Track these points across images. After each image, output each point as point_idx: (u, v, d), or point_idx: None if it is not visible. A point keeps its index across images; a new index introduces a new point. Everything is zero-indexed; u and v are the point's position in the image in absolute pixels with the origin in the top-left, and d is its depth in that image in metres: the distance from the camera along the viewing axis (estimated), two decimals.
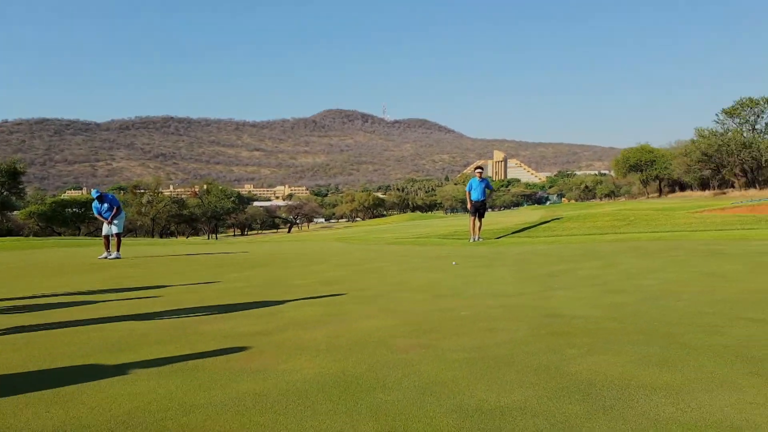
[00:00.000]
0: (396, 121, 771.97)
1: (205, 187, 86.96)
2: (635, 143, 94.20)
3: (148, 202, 70.52)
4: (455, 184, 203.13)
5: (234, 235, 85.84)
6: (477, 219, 15.41)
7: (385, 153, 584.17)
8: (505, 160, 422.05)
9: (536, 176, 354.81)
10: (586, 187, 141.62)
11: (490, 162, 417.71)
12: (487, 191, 15.84)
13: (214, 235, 78.25)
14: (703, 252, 8.62)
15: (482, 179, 15.61)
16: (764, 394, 2.38)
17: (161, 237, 69.89)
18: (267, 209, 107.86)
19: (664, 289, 5.28)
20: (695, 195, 69.88)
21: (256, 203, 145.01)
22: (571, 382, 2.64)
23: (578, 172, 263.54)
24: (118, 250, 12.72)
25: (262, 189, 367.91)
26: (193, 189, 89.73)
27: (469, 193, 15.54)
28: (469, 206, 15.67)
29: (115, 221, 12.91)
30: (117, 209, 13.04)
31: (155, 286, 7.26)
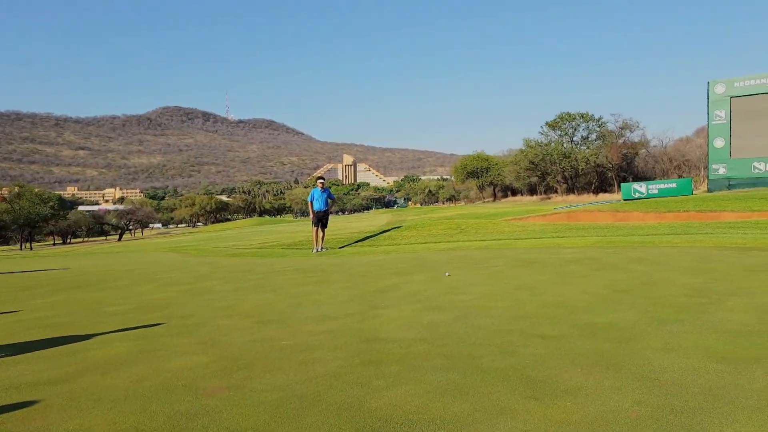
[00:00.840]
0: (240, 121, 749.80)
1: (16, 190, 76.73)
2: (472, 151, 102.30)
3: None
4: (305, 187, 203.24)
5: (54, 245, 76.60)
6: (320, 229, 15.52)
7: (229, 154, 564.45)
8: (354, 164, 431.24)
9: (384, 180, 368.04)
10: (430, 191, 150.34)
11: (340, 165, 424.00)
12: (330, 201, 16.03)
13: (28, 245, 69.18)
14: (520, 262, 9.37)
15: (324, 189, 15.75)
16: (535, 421, 2.63)
17: None
18: (94, 214, 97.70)
19: (477, 305, 5.66)
20: (525, 200, 77.76)
21: (81, 207, 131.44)
22: (369, 421, 2.71)
23: (423, 177, 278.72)
24: None
25: (88, 192, 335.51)
26: (0, 192, 78.58)
27: (311, 204, 15.60)
28: (311, 217, 15.70)
29: None
30: None
31: None
